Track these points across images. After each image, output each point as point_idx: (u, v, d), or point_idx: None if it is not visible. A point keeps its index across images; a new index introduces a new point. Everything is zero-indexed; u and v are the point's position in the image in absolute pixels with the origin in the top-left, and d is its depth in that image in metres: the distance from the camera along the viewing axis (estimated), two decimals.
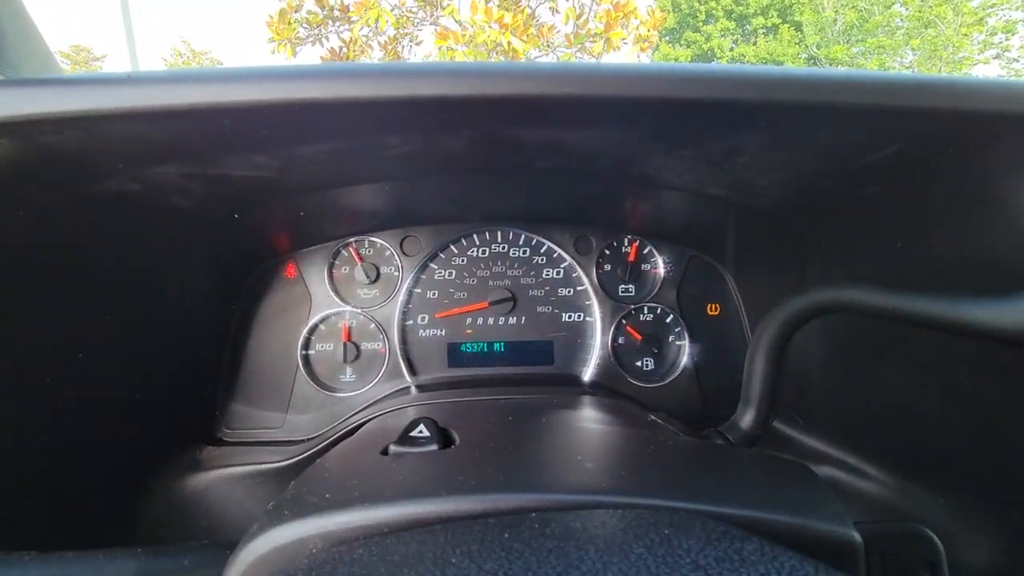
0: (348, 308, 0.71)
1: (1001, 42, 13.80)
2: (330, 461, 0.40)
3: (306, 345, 0.70)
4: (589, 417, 0.49)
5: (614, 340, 0.73)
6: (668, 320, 0.74)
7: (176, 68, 0.34)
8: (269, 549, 0.29)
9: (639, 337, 0.73)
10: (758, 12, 20.23)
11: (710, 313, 0.74)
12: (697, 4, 20.40)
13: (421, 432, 0.40)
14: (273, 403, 0.69)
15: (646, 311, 0.74)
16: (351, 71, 0.30)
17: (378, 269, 0.71)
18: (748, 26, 20.52)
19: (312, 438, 0.66)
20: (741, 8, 20.25)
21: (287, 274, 0.70)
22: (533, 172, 0.52)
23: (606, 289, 0.73)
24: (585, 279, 0.73)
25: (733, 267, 0.73)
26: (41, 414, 0.43)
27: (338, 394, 0.69)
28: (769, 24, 20.13)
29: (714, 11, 20.42)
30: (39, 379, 0.42)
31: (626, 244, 0.74)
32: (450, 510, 0.28)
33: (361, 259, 0.71)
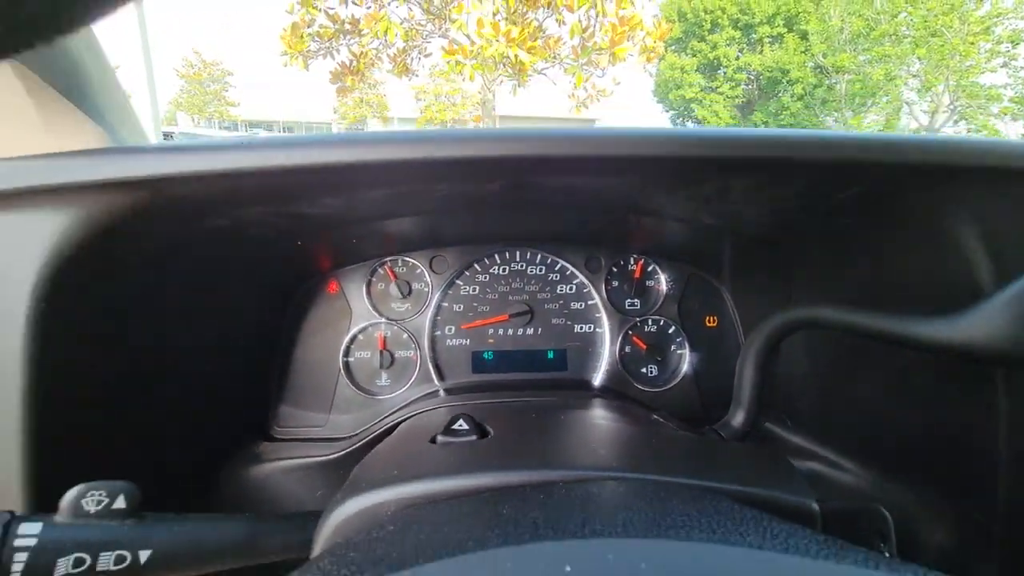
0: (384, 320, 0.79)
1: (1008, 51, 13.80)
2: (387, 449, 0.48)
3: (347, 353, 0.78)
4: (600, 416, 0.57)
5: (621, 349, 0.81)
6: (670, 331, 0.82)
7: (282, 135, 0.43)
8: (352, 512, 0.37)
9: (644, 347, 0.81)
10: (764, 21, 20.27)
11: (708, 325, 0.82)
12: (703, 14, 20.48)
13: (461, 426, 0.49)
14: (317, 405, 0.78)
15: (650, 323, 0.82)
16: (420, 138, 0.39)
17: (410, 285, 0.79)
18: (754, 35, 20.55)
19: (353, 435, 0.74)
20: (747, 17, 20.30)
21: (330, 290, 0.79)
22: (550, 204, 0.60)
23: (614, 303, 0.81)
24: (595, 294, 0.82)
25: (729, 284, 0.81)
26: (136, 412, 0.51)
27: (375, 396, 0.78)
28: (775, 33, 20.16)
29: (720, 20, 20.49)
30: (138, 380, 0.51)
31: (632, 263, 0.82)
32: (496, 482, 0.36)
33: (395, 277, 0.79)
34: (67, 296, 0.42)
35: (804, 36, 19.30)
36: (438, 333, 0.80)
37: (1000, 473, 0.46)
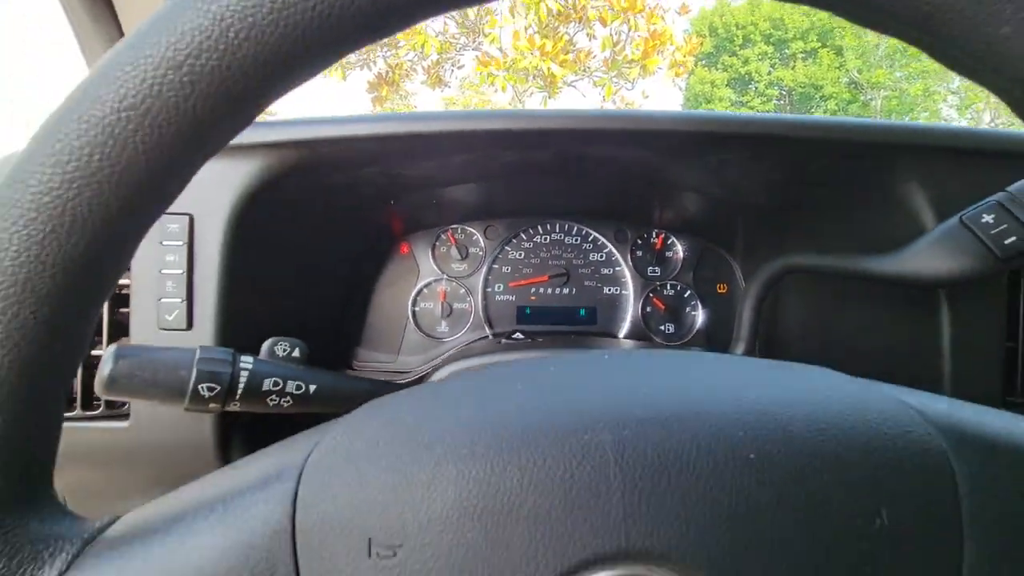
0: (445, 277, 0.95)
1: None
2: (464, 349, 0.64)
3: (414, 303, 0.95)
4: (625, 345, 0.72)
5: (643, 309, 0.95)
6: (686, 295, 0.96)
7: (401, 112, 0.59)
8: (451, 372, 0.53)
9: (663, 307, 0.95)
10: (797, 36, 20.01)
11: (719, 292, 0.96)
12: (734, 29, 20.36)
13: (518, 336, 0.64)
14: (388, 346, 0.94)
15: (669, 287, 0.96)
16: (503, 114, 0.55)
17: (467, 249, 0.96)
18: (787, 50, 20.29)
19: (417, 369, 0.90)
20: (780, 33, 20.08)
21: (402, 251, 0.96)
22: (589, 176, 0.76)
23: (638, 270, 0.96)
24: (622, 261, 0.96)
25: (739, 257, 0.95)
26: (274, 313, 0.68)
27: (436, 340, 0.94)
28: (809, 48, 19.87)
29: (752, 36, 20.32)
30: (274, 289, 0.68)
31: (654, 236, 0.96)
32: (552, 355, 0.51)
33: (455, 242, 0.96)
34: (246, 219, 0.59)
35: (839, 51, 19.08)
36: (489, 289, 0.96)
37: (944, 383, 0.59)
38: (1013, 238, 0.48)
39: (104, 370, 0.43)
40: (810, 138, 0.58)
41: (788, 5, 0.27)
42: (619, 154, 0.65)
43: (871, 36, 17.44)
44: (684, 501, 0.23)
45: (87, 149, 0.21)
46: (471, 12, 8.04)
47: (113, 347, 0.44)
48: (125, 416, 0.57)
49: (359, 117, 0.57)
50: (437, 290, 0.96)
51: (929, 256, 0.53)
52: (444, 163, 0.67)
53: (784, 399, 0.27)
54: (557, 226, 0.97)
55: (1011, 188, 0.51)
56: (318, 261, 0.78)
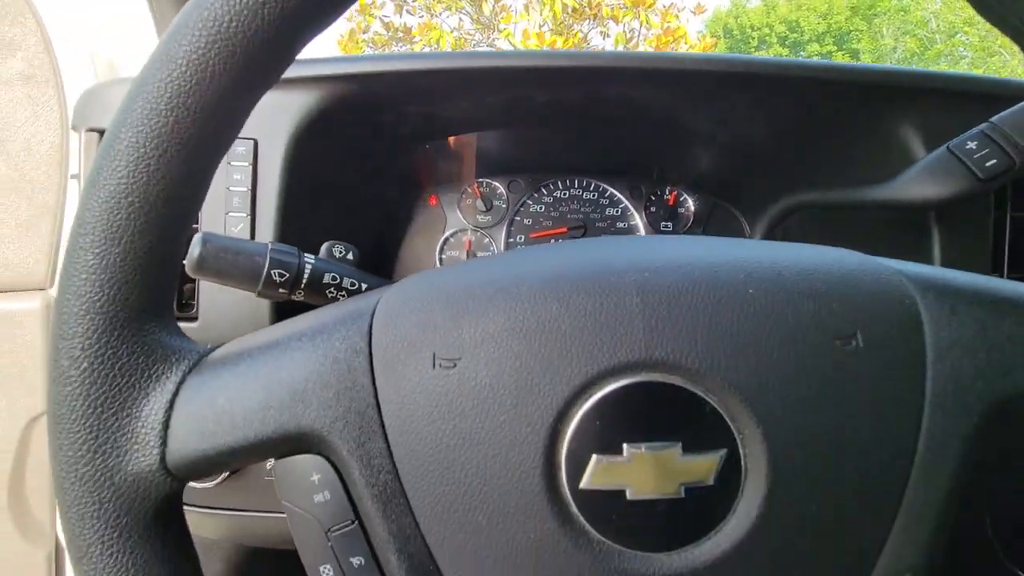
0: (470, 227, 1.02)
1: None
2: None
3: (441, 251, 1.02)
4: None
5: None
6: None
7: (444, 51, 0.66)
8: None
9: None
10: (813, 39, 19.86)
11: None
12: (749, 31, 20.26)
13: None
14: None
15: None
16: (549, 54, 0.61)
17: (491, 202, 1.02)
18: (802, 53, 20.15)
19: None
20: (795, 35, 19.95)
21: (430, 202, 1.03)
22: (605, 121, 0.82)
23: (652, 224, 1.02)
24: (636, 216, 1.02)
25: (747, 212, 1.01)
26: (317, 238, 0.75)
27: None
28: (824, 51, 19.72)
29: (767, 38, 20.20)
30: (323, 213, 0.75)
31: (667, 193, 1.02)
32: None
33: (480, 195, 1.02)
34: (302, 147, 0.66)
35: (855, 55, 18.94)
36: (511, 240, 1.02)
37: None
38: (994, 161, 0.54)
39: (194, 252, 0.50)
40: (817, 78, 0.64)
41: (805, 7, 0.33)
42: (642, 96, 0.72)
43: (888, 39, 17.31)
44: (693, 323, 0.29)
45: (227, 17, 0.27)
46: (486, 8, 8.13)
47: (199, 233, 0.51)
48: (195, 318, 0.64)
49: (405, 55, 0.64)
50: (463, 239, 1.02)
51: (919, 181, 0.59)
52: (480, 103, 0.73)
53: (778, 255, 0.34)
54: (576, 182, 1.03)
55: (994, 119, 0.56)
56: (360, 199, 0.85)
